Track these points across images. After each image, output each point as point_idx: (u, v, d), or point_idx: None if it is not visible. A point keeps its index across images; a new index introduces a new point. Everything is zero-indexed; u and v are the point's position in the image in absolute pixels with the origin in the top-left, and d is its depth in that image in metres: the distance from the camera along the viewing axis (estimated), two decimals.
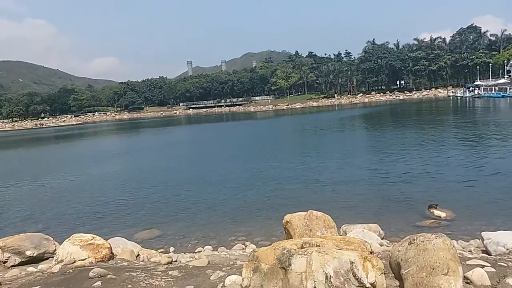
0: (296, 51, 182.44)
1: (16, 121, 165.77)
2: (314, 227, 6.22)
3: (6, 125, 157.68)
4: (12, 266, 8.91)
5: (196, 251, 9.46)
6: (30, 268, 8.06)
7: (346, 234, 8.56)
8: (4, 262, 8.99)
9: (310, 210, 6.38)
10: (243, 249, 9.49)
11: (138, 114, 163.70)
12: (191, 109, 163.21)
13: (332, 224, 6.41)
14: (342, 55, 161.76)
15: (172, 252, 9.48)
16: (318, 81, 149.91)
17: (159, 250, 9.50)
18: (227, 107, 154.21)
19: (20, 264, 8.90)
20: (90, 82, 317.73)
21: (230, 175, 20.23)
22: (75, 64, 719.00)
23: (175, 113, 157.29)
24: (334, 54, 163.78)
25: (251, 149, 31.54)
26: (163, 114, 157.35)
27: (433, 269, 3.47)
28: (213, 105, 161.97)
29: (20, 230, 11.23)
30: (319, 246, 3.88)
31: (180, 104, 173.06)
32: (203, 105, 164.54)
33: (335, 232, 6.33)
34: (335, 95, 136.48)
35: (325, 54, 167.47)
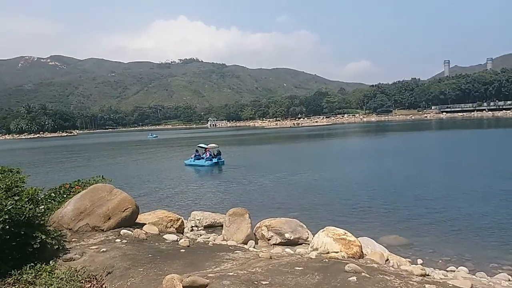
0: None
1: (278, 120, 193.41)
2: None
3: (271, 123, 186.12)
4: (273, 244, 10.17)
5: (448, 269, 8.60)
6: (288, 250, 8.93)
7: None
8: (268, 240, 10.35)
9: None
10: (509, 280, 7.93)
11: (386, 117, 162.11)
12: (444, 113, 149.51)
13: None
14: None
15: (420, 264, 8.83)
16: None
17: (406, 259, 8.91)
18: (490, 111, 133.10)
19: (280, 244, 10.05)
20: (342, 85, 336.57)
21: (493, 190, 17.12)
22: (331, 69, 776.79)
23: (426, 117, 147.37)
24: None
25: None
26: (412, 117, 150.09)
27: None
28: (471, 108, 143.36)
29: (278, 214, 12.71)
30: None
31: (432, 108, 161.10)
32: (459, 109, 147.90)
33: None
34: None
35: None
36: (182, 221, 9.92)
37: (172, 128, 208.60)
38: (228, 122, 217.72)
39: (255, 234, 10.30)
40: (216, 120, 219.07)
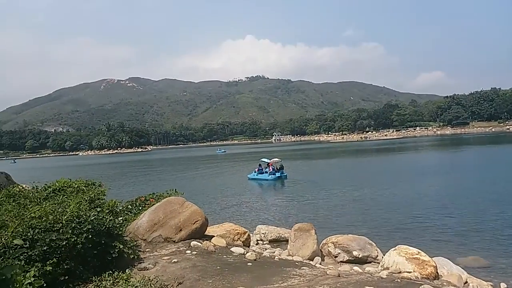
0: None
1: (345, 134, 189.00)
2: None
3: (337, 137, 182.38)
4: (341, 261, 9.88)
5: None
6: (356, 268, 8.62)
7: None
8: (335, 257, 10.08)
9: None
10: None
11: (462, 130, 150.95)
12: None
13: None
14: None
15: None
16: None
17: (488, 283, 8.17)
18: None
19: (347, 261, 9.74)
20: (413, 97, 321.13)
21: None
22: (400, 80, 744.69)
23: (508, 129, 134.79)
24: None
25: None
26: (492, 130, 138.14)
27: None
28: None
29: (344, 231, 12.35)
30: None
31: None
32: None
33: None
34: None
35: None
36: (249, 235, 10.04)
37: (238, 143, 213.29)
38: (293, 137, 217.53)
39: (321, 251, 10.11)
40: (281, 135, 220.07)
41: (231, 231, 9.39)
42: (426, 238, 12.78)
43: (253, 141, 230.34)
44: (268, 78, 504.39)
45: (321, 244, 10.19)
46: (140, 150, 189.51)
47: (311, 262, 8.75)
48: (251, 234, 11.74)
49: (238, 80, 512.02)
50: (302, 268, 6.59)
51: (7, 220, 6.06)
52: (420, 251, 7.68)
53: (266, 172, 33.42)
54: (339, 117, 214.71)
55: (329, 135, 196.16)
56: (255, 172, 34.47)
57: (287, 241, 11.50)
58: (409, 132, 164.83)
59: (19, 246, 4.81)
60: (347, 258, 9.63)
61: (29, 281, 2.63)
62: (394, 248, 7.87)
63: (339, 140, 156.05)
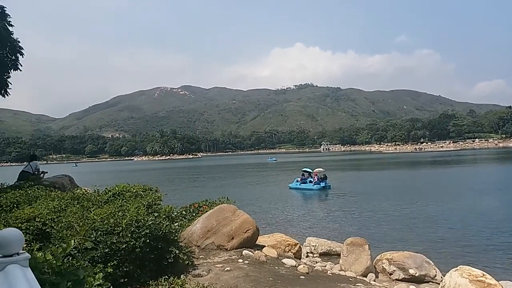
0: None
1: (398, 144, 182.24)
2: None
3: (390, 147, 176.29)
4: (396, 279, 9.46)
5: None
6: (413, 287, 8.22)
7: None
8: (390, 274, 9.68)
9: None
10: None
11: None
12: None
13: None
14: None
15: None
16: None
17: None
18: None
19: (403, 280, 9.30)
20: (472, 107, 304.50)
21: None
22: (457, 89, 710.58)
23: None
24: None
25: None
26: None
27: None
28: None
29: (399, 247, 11.81)
30: None
31: None
32: None
33: None
34: None
35: None
36: (300, 247, 9.90)
37: (285, 152, 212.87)
38: (342, 146, 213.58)
39: (375, 267, 9.75)
40: (330, 144, 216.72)
41: (282, 242, 9.31)
42: (490, 260, 11.88)
43: (301, 149, 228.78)
44: (316, 86, 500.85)
45: (374, 260, 9.84)
46: (191, 156, 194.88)
47: (364, 278, 8.46)
48: (301, 246, 11.58)
49: (287, 88, 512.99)
50: (356, 284, 6.37)
51: (72, 222, 6.43)
52: (484, 273, 7.16)
53: (311, 182, 33.05)
54: (391, 126, 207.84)
55: (381, 146, 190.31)
56: (297, 181, 34.17)
57: (337, 255, 11.23)
58: (467, 144, 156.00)
59: (88, 248, 5.05)
60: (403, 276, 9.22)
61: (98, 282, 2.72)
62: (455, 269, 7.39)
63: (391, 151, 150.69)
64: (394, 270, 9.38)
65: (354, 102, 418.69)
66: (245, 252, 7.46)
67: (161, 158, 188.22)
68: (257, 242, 8.68)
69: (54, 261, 2.40)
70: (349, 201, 25.55)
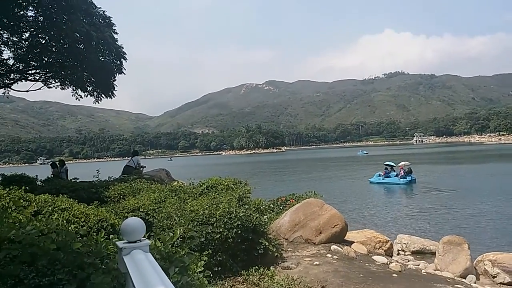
0: None
1: (503, 134, 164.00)
2: None
3: (493, 138, 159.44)
4: (500, 283, 8.65)
5: None
6: None
7: None
8: (493, 277, 8.88)
9: None
10: None
11: None
12: None
13: None
14: None
15: None
16: None
17: None
18: None
19: (508, 283, 8.48)
20: None
21: None
22: None
23: None
24: None
25: None
26: None
27: None
28: None
29: (504, 248, 10.80)
30: None
31: None
32: None
33: None
34: None
35: None
36: (391, 244, 9.55)
37: (374, 145, 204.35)
38: (437, 138, 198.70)
39: (475, 268, 9.02)
40: (423, 136, 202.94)
41: (372, 238, 9.07)
42: None
43: (390, 142, 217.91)
44: (408, 73, 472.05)
45: (475, 261, 9.10)
46: (275, 150, 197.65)
47: (463, 280, 7.90)
48: (393, 243, 11.17)
49: (375, 77, 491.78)
50: (455, 286, 5.99)
51: (171, 212, 7.02)
52: None
53: (396, 176, 31.46)
54: (495, 115, 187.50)
55: (483, 136, 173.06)
56: (379, 175, 32.67)
57: (431, 253, 10.62)
58: None
59: (191, 237, 5.52)
60: (508, 280, 8.41)
61: (200, 269, 2.93)
62: None
63: (495, 142, 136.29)
64: (499, 273, 8.59)
65: (451, 90, 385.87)
66: (333, 247, 7.45)
67: (246, 152, 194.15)
68: (346, 238, 8.59)
69: (163, 248, 2.69)
70: (440, 197, 23.79)
